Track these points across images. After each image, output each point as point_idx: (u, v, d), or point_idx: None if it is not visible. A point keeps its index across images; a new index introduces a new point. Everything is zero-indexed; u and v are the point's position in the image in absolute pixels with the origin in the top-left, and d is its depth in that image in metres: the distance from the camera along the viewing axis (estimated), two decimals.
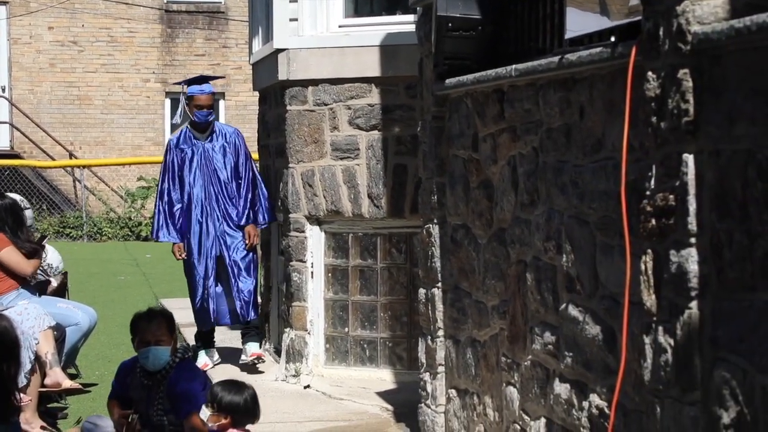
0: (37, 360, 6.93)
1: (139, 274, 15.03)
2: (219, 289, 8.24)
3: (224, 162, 8.24)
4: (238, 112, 22.98)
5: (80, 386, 7.37)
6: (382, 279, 7.80)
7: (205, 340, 8.50)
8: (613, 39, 3.73)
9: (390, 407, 7.02)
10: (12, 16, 22.59)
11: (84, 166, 21.93)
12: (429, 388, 6.02)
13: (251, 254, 8.29)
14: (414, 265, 7.42)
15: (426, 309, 6.03)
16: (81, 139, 22.85)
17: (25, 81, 22.68)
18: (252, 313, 8.25)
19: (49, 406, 7.23)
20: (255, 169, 8.41)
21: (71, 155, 22.48)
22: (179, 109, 8.50)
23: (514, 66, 4.67)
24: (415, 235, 7.24)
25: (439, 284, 5.85)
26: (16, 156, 22.11)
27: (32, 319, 7.00)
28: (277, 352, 8.39)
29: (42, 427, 6.65)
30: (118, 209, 21.74)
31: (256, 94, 9.71)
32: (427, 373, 6.04)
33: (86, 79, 22.87)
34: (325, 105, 7.84)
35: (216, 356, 8.51)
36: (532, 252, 4.63)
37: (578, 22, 4.06)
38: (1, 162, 21.12)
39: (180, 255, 8.26)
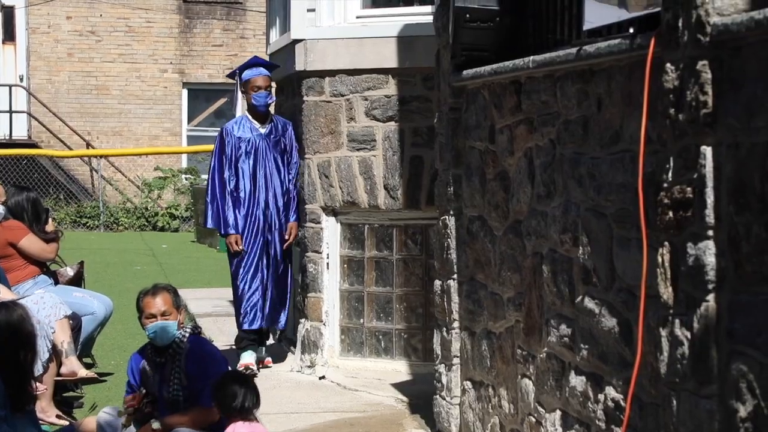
0: (53, 349, 6.95)
1: (155, 264, 15.07)
2: (266, 288, 7.81)
3: (281, 156, 7.90)
4: None
5: (96, 375, 7.40)
6: (397, 270, 7.80)
7: (249, 338, 7.86)
8: (631, 30, 3.71)
9: (405, 399, 7.02)
10: (30, 5, 22.65)
11: (101, 156, 21.98)
12: (444, 379, 6.01)
13: (291, 255, 7.96)
14: (429, 256, 7.42)
15: (441, 301, 6.03)
16: (98, 129, 22.91)
17: (43, 70, 22.74)
18: (284, 322, 7.94)
19: (65, 395, 7.26)
20: (298, 163, 7.99)
21: (88, 145, 22.54)
22: (235, 100, 8.24)
23: (531, 57, 4.66)
24: (431, 227, 7.23)
25: (455, 276, 5.84)
26: (34, 145, 22.18)
27: (48, 308, 7.02)
28: (293, 343, 8.40)
29: (58, 416, 6.68)
30: (134, 199, 21.79)
31: (273, 84, 9.71)
32: (442, 365, 6.04)
33: (104, 69, 22.92)
34: (342, 96, 7.83)
35: (264, 355, 8.03)
36: (549, 244, 4.61)
37: (597, 13, 4.04)
38: (18, 151, 21.19)
39: (238, 246, 7.75)
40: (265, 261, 7.80)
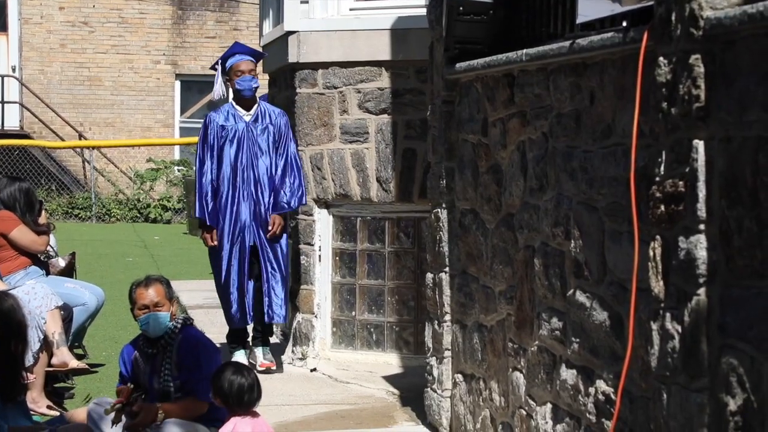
0: (44, 340, 6.94)
1: (147, 256, 15.05)
2: (252, 284, 7.58)
3: (268, 144, 7.53)
4: None
5: (87, 366, 7.38)
6: (389, 263, 7.80)
7: (241, 339, 7.70)
8: (624, 24, 3.71)
9: (396, 391, 7.02)
10: None
11: (93, 147, 21.93)
12: (435, 372, 6.02)
13: (282, 247, 7.58)
14: (422, 249, 7.42)
15: (433, 294, 6.03)
16: (91, 119, 22.85)
17: (35, 61, 22.67)
18: (282, 316, 7.59)
19: (56, 385, 7.24)
20: (295, 154, 7.61)
21: (81, 136, 22.48)
22: (216, 86, 7.76)
23: (524, 50, 4.66)
24: (424, 220, 7.23)
25: (447, 269, 5.85)
26: (26, 136, 22.12)
27: (39, 298, 7.01)
28: (284, 335, 8.40)
29: (48, 407, 6.67)
30: (126, 191, 21.75)
31: (266, 76, 9.69)
32: (434, 358, 6.04)
33: (96, 60, 22.85)
34: (335, 88, 7.83)
35: (248, 357, 7.68)
36: (541, 237, 4.62)
37: (590, 6, 4.04)
38: (10, 142, 21.13)
39: (212, 241, 7.52)
40: (247, 254, 7.48)
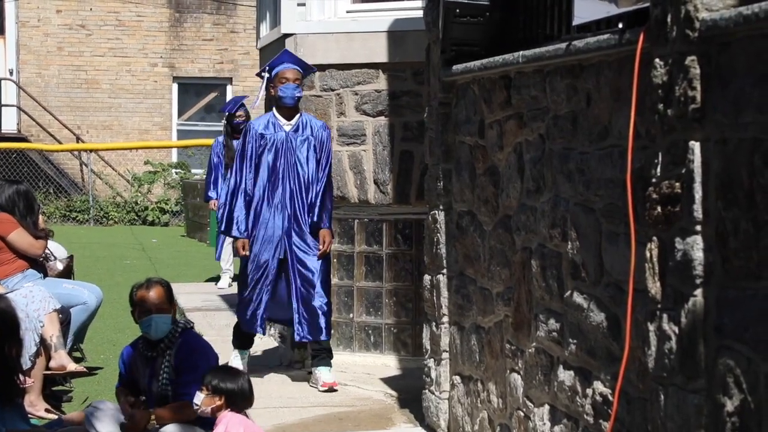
0: (42, 343, 6.94)
1: (145, 259, 15.04)
2: (276, 295, 7.26)
3: (307, 156, 7.22)
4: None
5: (85, 369, 7.38)
6: (387, 265, 7.80)
7: (243, 341, 7.51)
8: (620, 26, 3.71)
9: (394, 393, 7.03)
10: None
11: (91, 150, 21.93)
12: (433, 374, 6.02)
13: (324, 264, 7.25)
14: (419, 251, 7.42)
15: (431, 295, 6.03)
16: (88, 123, 22.85)
17: (32, 64, 22.67)
18: (324, 333, 7.22)
19: (54, 389, 7.24)
20: (331, 167, 7.39)
21: (78, 139, 22.48)
22: (260, 93, 7.54)
23: (521, 52, 4.66)
24: (421, 222, 7.23)
25: (444, 271, 5.85)
26: (24, 139, 22.11)
27: (37, 301, 7.01)
28: (282, 337, 8.39)
29: (46, 410, 6.67)
30: (124, 193, 21.75)
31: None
32: (432, 360, 6.05)
33: (94, 63, 22.85)
34: (332, 90, 7.83)
35: (245, 360, 7.51)
36: (538, 239, 4.62)
37: (586, 8, 4.05)
38: (8, 145, 21.12)
39: (244, 251, 7.25)
40: (281, 266, 7.21)
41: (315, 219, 7.17)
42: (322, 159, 7.27)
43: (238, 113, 11.40)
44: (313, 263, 7.19)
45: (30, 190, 7.92)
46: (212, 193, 11.48)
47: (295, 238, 7.19)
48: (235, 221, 7.24)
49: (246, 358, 7.51)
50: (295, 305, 7.17)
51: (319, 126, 7.33)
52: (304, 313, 7.17)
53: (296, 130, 7.26)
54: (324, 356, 7.21)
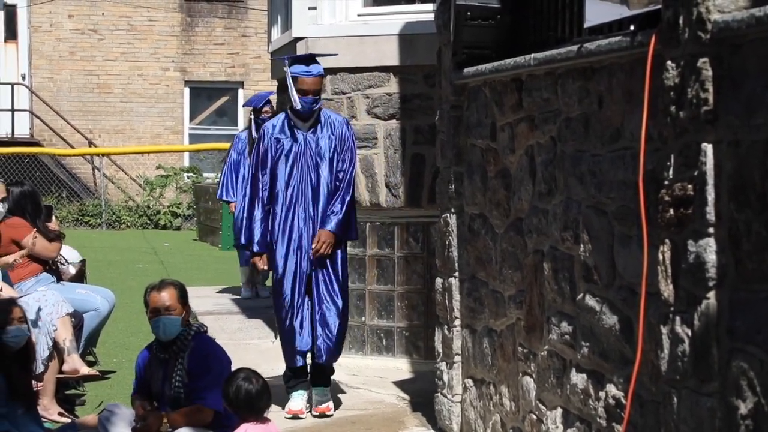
0: (55, 347, 6.95)
1: (157, 263, 15.06)
2: (308, 313, 6.69)
3: (328, 158, 6.67)
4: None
5: (98, 373, 7.40)
6: (399, 268, 7.80)
7: (299, 375, 6.77)
8: (632, 28, 3.71)
9: (406, 396, 7.02)
10: (33, 3, 22.65)
11: (103, 155, 21.99)
12: (445, 377, 6.02)
13: (340, 275, 6.69)
14: (431, 254, 7.42)
15: (443, 298, 6.03)
16: (100, 127, 22.90)
17: (45, 69, 22.74)
18: (335, 356, 6.75)
19: (67, 392, 7.26)
20: (354, 167, 6.84)
21: (90, 143, 22.53)
22: (294, 95, 6.69)
23: (532, 55, 4.66)
24: (433, 225, 7.23)
25: (456, 274, 5.85)
26: (36, 144, 22.18)
27: (50, 305, 7.02)
28: None
29: (60, 413, 6.68)
30: (136, 198, 21.79)
31: (275, 82, 9.71)
32: (444, 363, 6.04)
33: (106, 67, 22.92)
34: (344, 94, 7.83)
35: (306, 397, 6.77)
36: (550, 242, 4.62)
37: (597, 11, 4.05)
38: (21, 150, 21.19)
39: (263, 265, 6.72)
40: (302, 284, 6.66)
41: (322, 219, 6.63)
42: (345, 158, 6.71)
43: (264, 109, 10.78)
44: (334, 274, 6.67)
45: (35, 189, 7.92)
46: (231, 195, 10.95)
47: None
48: (253, 235, 6.70)
49: (306, 393, 6.77)
50: (318, 325, 6.64)
51: (339, 122, 6.79)
52: (325, 333, 6.65)
53: (314, 132, 6.73)
54: (324, 380, 6.75)
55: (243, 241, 6.93)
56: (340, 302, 6.67)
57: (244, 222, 6.86)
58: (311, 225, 6.65)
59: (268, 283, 10.78)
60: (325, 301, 6.65)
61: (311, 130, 6.72)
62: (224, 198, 11.25)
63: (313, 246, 6.60)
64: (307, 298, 6.67)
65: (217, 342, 5.87)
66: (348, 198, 6.71)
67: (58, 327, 7.00)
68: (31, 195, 7.70)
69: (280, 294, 6.69)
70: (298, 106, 6.65)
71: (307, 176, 6.68)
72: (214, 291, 11.69)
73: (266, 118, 10.78)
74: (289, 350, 6.71)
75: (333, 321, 6.65)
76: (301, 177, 6.68)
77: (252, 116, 11.09)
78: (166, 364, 5.62)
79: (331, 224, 6.63)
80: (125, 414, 5.73)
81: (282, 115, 6.88)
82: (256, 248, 6.72)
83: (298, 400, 6.69)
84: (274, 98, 10.33)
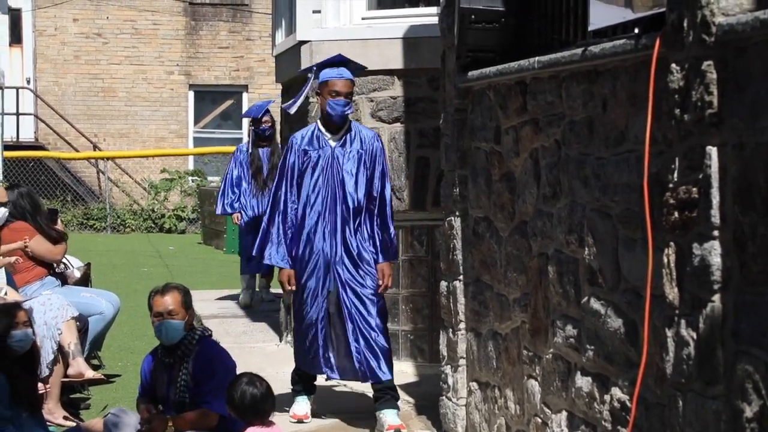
0: (60, 350, 6.96)
1: (162, 266, 15.08)
2: (333, 334, 6.51)
3: (357, 174, 6.43)
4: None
5: (103, 377, 7.40)
6: (403, 272, 7.79)
7: (306, 383, 6.69)
8: (636, 31, 3.71)
9: (411, 400, 7.02)
10: (37, 7, 22.70)
11: (108, 158, 22.02)
12: (450, 380, 6.01)
13: (380, 299, 6.50)
14: (435, 257, 7.42)
15: (447, 302, 6.03)
16: (105, 131, 22.95)
17: (49, 73, 22.78)
18: (386, 372, 6.45)
19: (72, 396, 7.27)
20: (389, 187, 6.60)
21: (95, 147, 22.58)
22: (299, 99, 6.67)
23: (536, 58, 4.66)
24: (437, 228, 7.23)
25: (461, 277, 5.84)
26: (41, 147, 22.22)
27: (55, 309, 7.03)
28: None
29: (65, 417, 6.69)
30: (141, 201, 21.82)
31: (279, 86, 9.72)
32: (449, 366, 6.04)
33: (110, 71, 22.96)
34: None
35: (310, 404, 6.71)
36: (554, 245, 4.61)
37: (602, 14, 4.04)
38: (25, 153, 21.23)
39: (291, 285, 6.46)
40: (323, 302, 6.46)
41: (371, 251, 6.43)
42: (376, 175, 6.47)
43: (264, 119, 10.67)
44: (369, 297, 6.43)
45: (30, 190, 7.93)
46: (226, 209, 10.79)
47: (345, 269, 6.44)
48: (277, 246, 6.46)
49: (311, 401, 6.71)
50: (354, 345, 6.41)
51: (370, 137, 6.53)
52: (365, 353, 6.40)
53: (343, 145, 6.47)
54: (388, 398, 6.44)
55: (266, 257, 6.54)
56: (383, 322, 6.48)
57: (266, 237, 6.52)
58: (335, 244, 6.42)
59: (272, 284, 10.81)
60: (360, 319, 6.42)
61: (340, 143, 6.48)
62: (218, 213, 11.16)
63: (380, 282, 6.43)
64: (329, 317, 6.46)
65: (221, 346, 5.86)
66: (390, 220, 6.50)
67: (63, 331, 7.01)
68: (28, 195, 7.71)
69: (301, 311, 6.51)
70: (329, 109, 6.41)
71: (333, 191, 6.44)
72: (219, 294, 11.69)
73: (266, 128, 10.72)
74: (307, 363, 6.57)
75: (382, 344, 6.43)
76: (326, 191, 6.44)
77: (252, 127, 10.93)
78: (170, 369, 5.62)
79: (389, 254, 6.49)
80: (130, 418, 5.73)
81: (311, 126, 6.63)
82: (284, 264, 6.49)
83: (302, 404, 6.65)
84: (275, 107, 10.21)
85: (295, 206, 6.47)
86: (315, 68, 6.62)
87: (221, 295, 11.70)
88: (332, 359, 6.51)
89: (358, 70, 6.70)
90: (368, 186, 6.46)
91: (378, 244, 6.45)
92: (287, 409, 6.65)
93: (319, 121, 6.58)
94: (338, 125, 6.49)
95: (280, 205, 6.49)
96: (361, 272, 6.44)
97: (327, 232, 6.44)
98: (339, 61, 6.58)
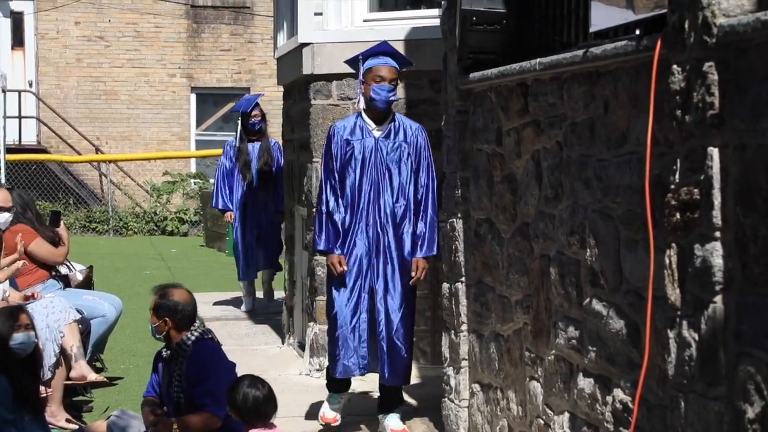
0: (63, 353, 6.97)
1: (165, 269, 15.09)
2: (367, 329, 6.34)
3: (400, 166, 6.32)
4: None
5: (105, 379, 7.41)
6: None
7: (340, 383, 6.53)
8: (638, 32, 3.71)
9: (413, 401, 7.02)
10: (39, 11, 22.71)
11: (110, 161, 22.04)
12: (452, 382, 6.01)
13: (409, 298, 6.35)
14: (437, 259, 7.42)
15: (449, 303, 6.03)
16: (107, 133, 22.96)
17: (51, 76, 22.80)
18: (400, 379, 6.38)
19: (75, 399, 7.27)
20: (435, 180, 6.41)
21: (97, 150, 22.59)
22: (359, 93, 6.44)
23: (538, 60, 4.66)
24: (439, 230, 7.22)
25: (463, 279, 5.85)
26: (43, 150, 22.23)
27: (58, 312, 7.04)
28: (301, 346, 8.40)
29: (67, 420, 6.70)
30: (143, 204, 21.83)
31: (281, 88, 9.72)
32: (451, 368, 6.04)
33: (112, 74, 22.97)
34: (350, 99, 7.84)
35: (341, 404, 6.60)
36: (556, 246, 4.61)
37: (603, 15, 4.05)
38: (28, 157, 21.24)
39: (341, 266, 6.27)
40: (366, 298, 6.31)
41: (408, 249, 6.30)
42: (421, 169, 6.35)
43: (253, 113, 10.67)
44: (401, 298, 6.30)
45: (19, 190, 7.95)
46: (227, 204, 10.73)
47: (382, 267, 6.31)
48: (326, 234, 6.30)
49: (342, 401, 6.59)
50: (382, 345, 6.28)
51: (414, 129, 6.40)
52: (391, 355, 6.29)
53: (387, 136, 6.34)
54: (393, 402, 6.45)
55: (321, 246, 6.37)
56: (409, 327, 6.34)
57: (319, 225, 6.37)
58: (375, 237, 6.30)
59: (275, 285, 10.81)
60: (393, 318, 6.28)
61: (384, 135, 6.35)
62: (219, 207, 11.12)
63: (413, 274, 6.30)
64: (367, 314, 6.31)
65: (220, 348, 5.82)
66: (431, 214, 6.35)
67: (66, 333, 7.02)
68: (21, 198, 7.72)
69: (332, 304, 6.36)
70: (372, 94, 6.25)
71: (376, 184, 6.30)
72: (221, 297, 11.70)
73: (255, 122, 10.72)
74: (333, 362, 6.42)
75: (404, 349, 6.31)
76: (369, 185, 6.31)
77: (240, 120, 10.81)
78: (170, 368, 5.64)
79: (428, 249, 6.33)
80: (133, 420, 5.74)
81: (353, 116, 6.49)
82: (336, 250, 6.29)
83: (328, 406, 6.53)
84: (265, 100, 10.17)
85: (338, 196, 6.31)
86: (361, 57, 6.44)
87: (224, 297, 11.70)
88: (363, 357, 6.32)
89: (404, 63, 6.55)
90: (413, 179, 6.33)
91: (419, 238, 6.32)
92: (289, 412, 6.66)
93: (363, 111, 6.42)
94: (383, 112, 6.34)
95: (324, 199, 6.35)
96: (399, 269, 6.30)
97: (367, 225, 6.31)
98: (385, 51, 6.45)
